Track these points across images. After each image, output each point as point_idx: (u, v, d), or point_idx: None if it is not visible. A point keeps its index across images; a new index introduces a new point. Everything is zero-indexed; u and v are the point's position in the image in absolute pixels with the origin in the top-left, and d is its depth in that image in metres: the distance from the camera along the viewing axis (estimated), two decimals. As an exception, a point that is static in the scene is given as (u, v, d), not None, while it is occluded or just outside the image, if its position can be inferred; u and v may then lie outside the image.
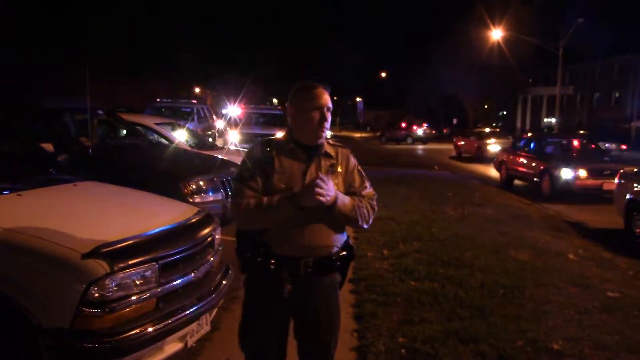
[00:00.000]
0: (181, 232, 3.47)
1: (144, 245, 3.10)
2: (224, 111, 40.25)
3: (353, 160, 2.68)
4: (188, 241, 3.44)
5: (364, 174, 2.69)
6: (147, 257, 3.02)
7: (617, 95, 53.87)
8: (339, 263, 2.63)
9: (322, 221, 2.51)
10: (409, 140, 43.32)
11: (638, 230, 8.54)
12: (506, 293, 5.21)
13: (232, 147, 10.65)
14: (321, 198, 2.36)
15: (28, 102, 6.14)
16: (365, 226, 2.61)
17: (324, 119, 2.51)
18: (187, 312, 3.28)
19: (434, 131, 49.93)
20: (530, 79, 58.04)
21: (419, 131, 44.63)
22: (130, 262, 2.91)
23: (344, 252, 2.65)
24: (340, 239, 2.61)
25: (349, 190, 2.60)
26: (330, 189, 2.40)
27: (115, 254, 2.88)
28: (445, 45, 49.24)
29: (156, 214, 3.64)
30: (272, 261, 2.50)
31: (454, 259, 6.37)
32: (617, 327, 4.43)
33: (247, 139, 15.29)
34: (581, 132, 30.40)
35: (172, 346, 3.22)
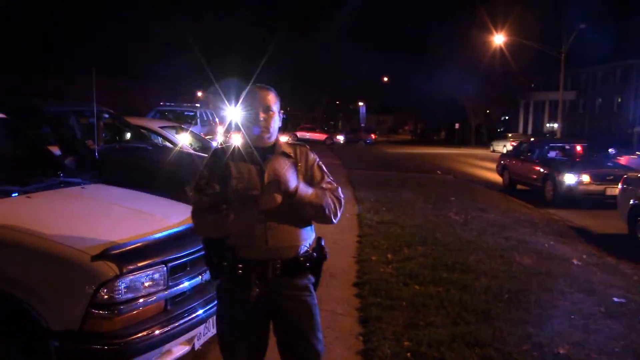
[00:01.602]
0: (189, 235, 3.47)
1: (153, 248, 3.11)
2: (223, 114, 40.34)
3: (312, 156, 2.66)
4: (196, 244, 3.44)
5: (324, 169, 2.67)
6: (156, 259, 3.04)
7: (619, 100, 53.82)
8: (307, 264, 2.58)
9: (285, 221, 2.49)
10: (361, 143, 49.51)
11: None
12: (511, 297, 5.21)
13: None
14: (282, 187, 2.36)
15: (34, 105, 6.17)
16: (334, 220, 2.56)
17: (258, 119, 2.50)
18: (195, 314, 3.30)
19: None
20: (532, 83, 58.00)
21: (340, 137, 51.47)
22: (139, 265, 2.93)
23: (314, 253, 2.61)
24: (305, 237, 2.57)
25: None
26: (288, 174, 2.38)
27: (125, 256, 2.90)
28: (448, 49, 49.31)
29: (164, 217, 3.65)
30: (240, 266, 2.48)
31: (458, 264, 6.37)
32: (622, 333, 4.43)
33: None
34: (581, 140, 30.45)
35: (180, 348, 3.24)
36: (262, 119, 2.50)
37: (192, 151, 8.83)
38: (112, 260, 2.83)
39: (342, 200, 2.62)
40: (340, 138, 51.27)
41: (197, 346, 3.39)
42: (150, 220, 3.60)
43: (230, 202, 2.44)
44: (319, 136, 49.66)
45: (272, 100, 2.55)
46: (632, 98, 51.26)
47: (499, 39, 36.49)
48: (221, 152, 2.56)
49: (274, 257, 2.50)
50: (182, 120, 15.38)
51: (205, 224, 2.48)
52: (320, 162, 2.68)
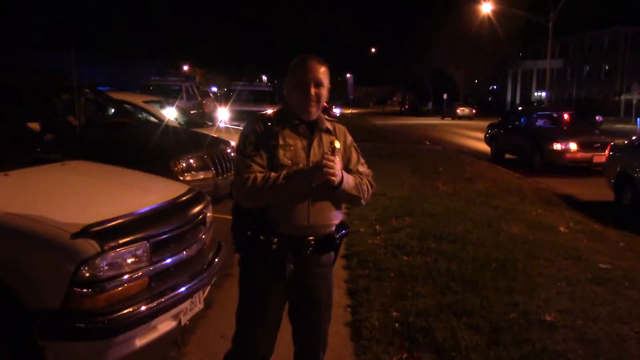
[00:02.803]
0: (172, 210, 3.43)
1: (135, 224, 3.06)
2: (213, 89, 40.03)
3: (349, 137, 2.65)
4: (179, 219, 3.40)
5: (359, 151, 2.67)
6: (138, 235, 2.98)
7: (606, 68, 53.90)
8: (338, 242, 2.60)
9: (325, 199, 2.47)
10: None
11: (628, 203, 8.59)
12: (498, 266, 5.22)
13: (222, 125, 10.53)
14: (330, 177, 2.31)
15: (12, 81, 6.02)
16: (363, 203, 2.60)
17: (309, 92, 2.42)
18: (180, 290, 3.26)
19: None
20: (520, 53, 57.92)
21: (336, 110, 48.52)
22: (120, 241, 2.87)
23: (342, 231, 2.62)
24: (339, 216, 2.59)
25: (346, 167, 2.55)
26: (338, 168, 2.35)
27: (106, 233, 2.84)
28: (435, 19, 48.94)
29: (146, 193, 3.59)
30: (275, 240, 2.42)
31: (446, 234, 6.38)
32: (608, 298, 4.47)
33: (237, 116, 15.18)
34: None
35: (166, 325, 3.21)
36: (314, 92, 2.43)
37: (178, 126, 8.72)
38: (93, 238, 2.78)
39: (374, 185, 2.67)
40: (337, 110, 50.56)
41: (183, 322, 3.36)
42: (131, 196, 3.54)
43: (275, 171, 2.38)
44: None
45: (325, 74, 2.49)
46: (619, 65, 51.36)
47: (486, 8, 36.19)
48: (267, 119, 2.47)
49: (310, 234, 2.47)
50: (167, 95, 15.16)
51: (255, 192, 2.35)
52: (355, 144, 2.68)
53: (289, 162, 2.40)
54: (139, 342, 3.01)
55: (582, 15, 41.77)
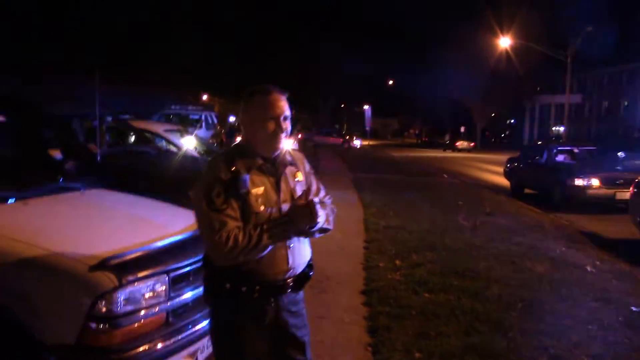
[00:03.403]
0: (192, 243, 3.33)
1: (154, 257, 2.97)
2: (231, 119, 40.36)
3: (307, 164, 2.56)
4: (199, 253, 3.28)
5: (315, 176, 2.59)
6: (157, 269, 2.90)
7: (625, 104, 53.57)
8: (310, 275, 2.51)
9: (302, 238, 2.40)
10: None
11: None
12: (525, 306, 5.04)
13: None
14: (317, 220, 2.24)
15: (35, 107, 6.06)
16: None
17: (281, 129, 2.29)
18: (198, 326, 3.16)
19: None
20: (538, 87, 57.87)
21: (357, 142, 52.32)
22: (139, 275, 2.79)
23: (310, 262, 2.53)
24: (311, 250, 2.52)
25: (307, 195, 2.46)
26: (321, 210, 2.27)
27: (124, 266, 2.76)
28: (454, 52, 49.22)
29: (166, 224, 3.51)
30: (257, 288, 2.28)
31: (468, 270, 6.21)
32: (643, 344, 4.27)
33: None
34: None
35: (182, 361, 3.09)
36: (285, 127, 2.32)
37: (197, 155, 8.71)
38: (111, 271, 2.69)
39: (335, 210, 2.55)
40: (357, 142, 51.59)
41: (200, 359, 3.24)
42: (151, 227, 3.46)
43: (247, 222, 2.22)
44: (335, 140, 50.37)
45: (287, 106, 2.36)
46: (638, 101, 51.03)
47: (504, 42, 36.31)
48: (229, 162, 2.25)
49: (290, 276, 2.38)
50: (187, 124, 15.26)
51: (237, 253, 2.15)
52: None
53: (262, 207, 2.26)
54: (154, 380, 2.90)
55: (601, 50, 41.69)
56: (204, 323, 3.18)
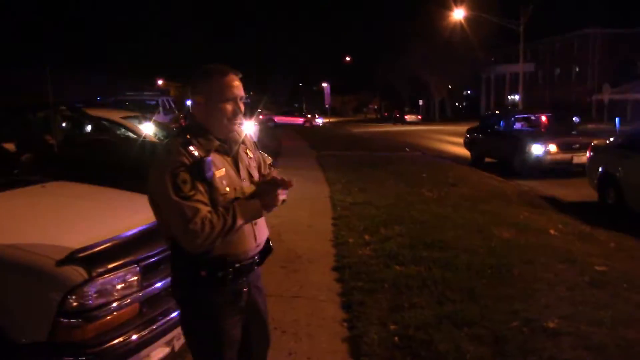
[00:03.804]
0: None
1: (123, 247, 2.90)
2: (188, 102, 39.74)
3: (252, 138, 2.56)
4: (168, 240, 3.24)
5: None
6: (127, 259, 2.83)
7: (577, 70, 54.90)
8: (270, 244, 2.52)
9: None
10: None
11: (611, 202, 8.61)
12: (494, 273, 5.14)
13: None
14: (283, 196, 2.25)
15: (-16, 101, 5.81)
16: None
17: (239, 110, 2.26)
18: (172, 314, 3.10)
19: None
20: (493, 57, 58.70)
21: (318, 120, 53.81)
22: (109, 266, 2.72)
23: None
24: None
25: (260, 172, 2.47)
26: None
27: (93, 259, 2.68)
28: (409, 26, 49.42)
29: (133, 213, 3.42)
30: (231, 270, 2.23)
31: (437, 241, 6.29)
32: (609, 302, 4.39)
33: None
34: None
35: (159, 352, 3.05)
36: (242, 108, 2.27)
37: (158, 141, 8.52)
38: (80, 264, 2.62)
39: None
40: (319, 121, 51.96)
41: (177, 347, 3.20)
42: (117, 217, 3.37)
43: (215, 205, 2.14)
44: (297, 120, 50.15)
45: (241, 87, 2.31)
46: (589, 67, 52.37)
47: (459, 14, 36.62)
48: (187, 146, 2.15)
49: (257, 252, 2.38)
50: (144, 110, 14.91)
51: (213, 238, 2.09)
52: None
53: (227, 188, 2.20)
54: (132, 373, 2.84)
55: (552, 19, 42.54)
56: (175, 314, 3.13)
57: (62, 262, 2.59)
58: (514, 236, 6.54)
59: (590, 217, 7.93)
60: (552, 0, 36.31)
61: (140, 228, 3.16)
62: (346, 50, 71.85)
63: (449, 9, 36.87)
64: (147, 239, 3.09)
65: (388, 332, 4.02)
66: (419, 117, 59.53)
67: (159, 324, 2.99)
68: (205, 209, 2.10)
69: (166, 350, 3.10)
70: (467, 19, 38.14)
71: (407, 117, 58.24)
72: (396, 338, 3.91)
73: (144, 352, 2.87)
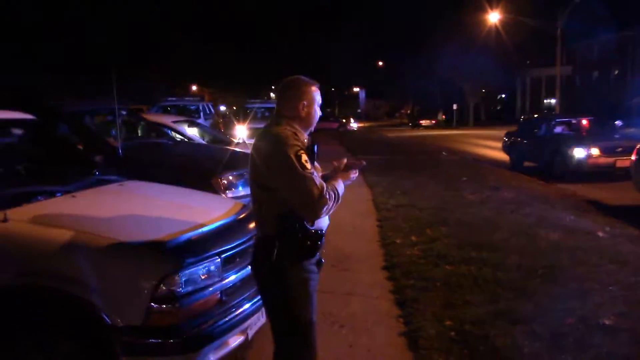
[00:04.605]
0: (236, 226, 3.48)
1: (208, 240, 3.12)
2: (220, 108, 40.32)
3: None
4: (243, 235, 3.44)
5: None
6: (212, 251, 3.04)
7: (616, 73, 53.75)
8: None
9: None
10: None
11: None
12: (545, 273, 5.21)
13: (245, 142, 10.62)
14: (355, 174, 2.81)
15: (53, 106, 6.14)
16: None
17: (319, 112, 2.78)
18: (246, 305, 3.31)
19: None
20: (528, 60, 57.86)
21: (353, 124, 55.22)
22: (197, 257, 2.93)
23: None
24: None
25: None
26: None
27: (182, 249, 2.90)
28: (443, 29, 49.15)
29: (209, 209, 3.64)
30: (319, 243, 2.62)
31: (484, 242, 6.36)
32: (663, 302, 4.45)
33: (254, 133, 15.27)
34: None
35: (235, 339, 3.24)
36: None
37: (210, 145, 8.81)
38: (172, 254, 2.84)
39: None
40: (354, 125, 52.47)
41: (250, 336, 3.40)
42: (198, 212, 3.59)
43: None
44: (331, 125, 50.47)
45: None
46: (628, 70, 51.22)
47: (493, 17, 36.30)
48: (295, 135, 2.59)
49: None
50: (186, 115, 15.29)
51: (331, 203, 2.50)
52: None
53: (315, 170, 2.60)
54: (213, 357, 3.05)
55: (590, 21, 41.79)
56: (252, 301, 3.34)
57: (155, 252, 2.82)
58: (562, 238, 6.57)
59: (637, 220, 7.87)
60: (590, 2, 35.63)
61: (220, 223, 3.38)
62: (379, 54, 71.74)
63: (484, 11, 36.57)
64: (226, 233, 3.31)
65: (444, 327, 4.14)
66: (433, 121, 62.62)
67: (236, 312, 3.19)
68: (322, 183, 2.52)
69: (241, 337, 3.29)
70: (503, 21, 37.76)
71: (422, 122, 61.60)
72: (452, 333, 4.03)
73: (224, 339, 3.07)
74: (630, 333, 3.85)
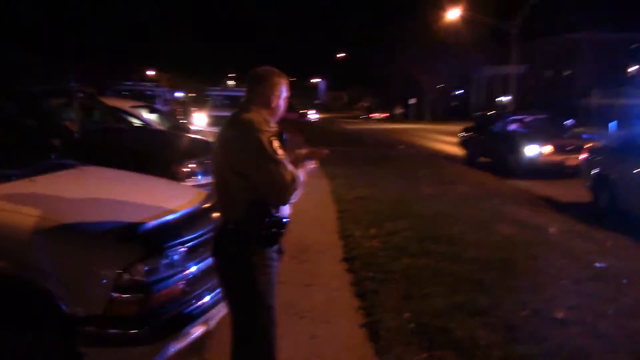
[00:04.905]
0: (200, 216, 3.44)
1: (172, 229, 3.06)
2: (176, 94, 39.59)
3: None
4: (206, 224, 3.39)
5: None
6: (177, 240, 2.99)
7: (567, 73, 55.41)
8: None
9: None
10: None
11: (604, 205, 8.83)
12: (501, 266, 5.35)
13: (204, 130, 10.49)
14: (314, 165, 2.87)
15: (6, 87, 5.90)
16: None
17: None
18: (207, 297, 3.27)
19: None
20: (484, 58, 59.00)
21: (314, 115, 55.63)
22: (162, 246, 2.88)
23: None
24: None
25: None
26: None
27: (148, 238, 2.84)
28: (403, 25, 49.58)
29: (173, 197, 3.58)
30: (282, 230, 2.69)
31: (442, 235, 6.49)
32: (612, 295, 4.62)
33: (214, 121, 15.06)
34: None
35: (197, 329, 3.20)
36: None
37: (170, 131, 8.64)
38: (136, 242, 2.77)
39: None
40: (315, 116, 52.98)
41: (211, 326, 3.36)
42: (161, 200, 3.52)
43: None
44: (291, 115, 50.17)
45: None
46: (579, 70, 52.88)
47: (453, 14, 36.81)
48: (266, 123, 2.65)
49: None
50: (143, 100, 14.93)
51: (297, 186, 2.57)
52: None
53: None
54: (174, 348, 3.00)
55: (545, 22, 42.94)
56: (210, 296, 3.29)
57: (119, 240, 2.75)
58: (516, 233, 6.76)
59: (585, 217, 8.15)
60: (545, 3, 36.53)
61: (184, 211, 3.32)
62: (339, 46, 71.78)
63: (444, 8, 37.02)
64: (191, 222, 3.26)
65: (403, 319, 4.20)
66: (384, 115, 64.85)
67: (198, 303, 3.15)
68: (291, 167, 2.58)
69: (203, 328, 3.25)
70: (462, 19, 38.33)
71: (372, 115, 65.02)
72: (412, 325, 4.09)
73: (187, 329, 3.03)
74: (580, 326, 4.00)
